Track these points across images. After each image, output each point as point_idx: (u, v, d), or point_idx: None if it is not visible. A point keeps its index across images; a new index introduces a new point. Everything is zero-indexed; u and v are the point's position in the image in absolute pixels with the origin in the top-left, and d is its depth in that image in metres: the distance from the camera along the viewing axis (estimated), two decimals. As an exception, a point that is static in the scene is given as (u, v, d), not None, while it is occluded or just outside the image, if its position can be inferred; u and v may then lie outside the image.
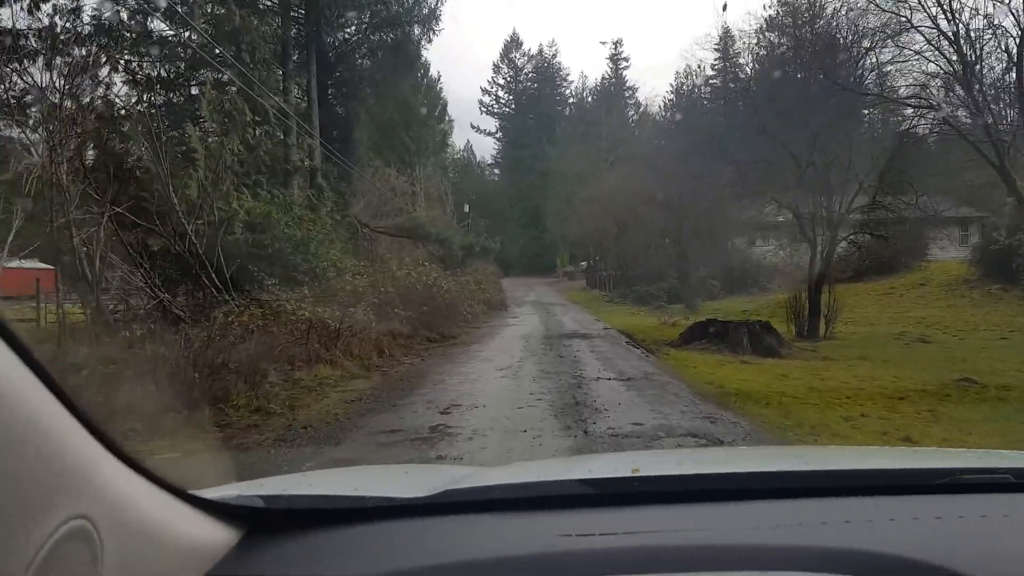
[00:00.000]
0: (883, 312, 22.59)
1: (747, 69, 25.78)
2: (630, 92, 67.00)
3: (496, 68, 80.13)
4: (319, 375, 9.10)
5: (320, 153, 21.00)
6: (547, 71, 79.21)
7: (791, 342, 13.65)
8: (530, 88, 78.95)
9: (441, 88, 38.43)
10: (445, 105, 38.31)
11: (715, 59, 47.24)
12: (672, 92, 55.91)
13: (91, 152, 10.90)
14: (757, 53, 24.37)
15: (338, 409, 7.33)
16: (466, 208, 50.57)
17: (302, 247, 15.70)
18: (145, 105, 14.51)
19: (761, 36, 24.57)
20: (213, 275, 11.06)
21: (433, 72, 37.38)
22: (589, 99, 68.33)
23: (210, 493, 1.09)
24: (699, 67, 56.93)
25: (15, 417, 0.68)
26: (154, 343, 7.51)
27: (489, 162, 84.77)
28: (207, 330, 8.42)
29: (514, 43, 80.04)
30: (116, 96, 13.04)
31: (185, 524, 0.97)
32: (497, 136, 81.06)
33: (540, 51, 79.86)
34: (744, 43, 24.74)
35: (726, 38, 40.79)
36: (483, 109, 79.75)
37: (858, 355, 12.41)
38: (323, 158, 21.44)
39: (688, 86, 50.12)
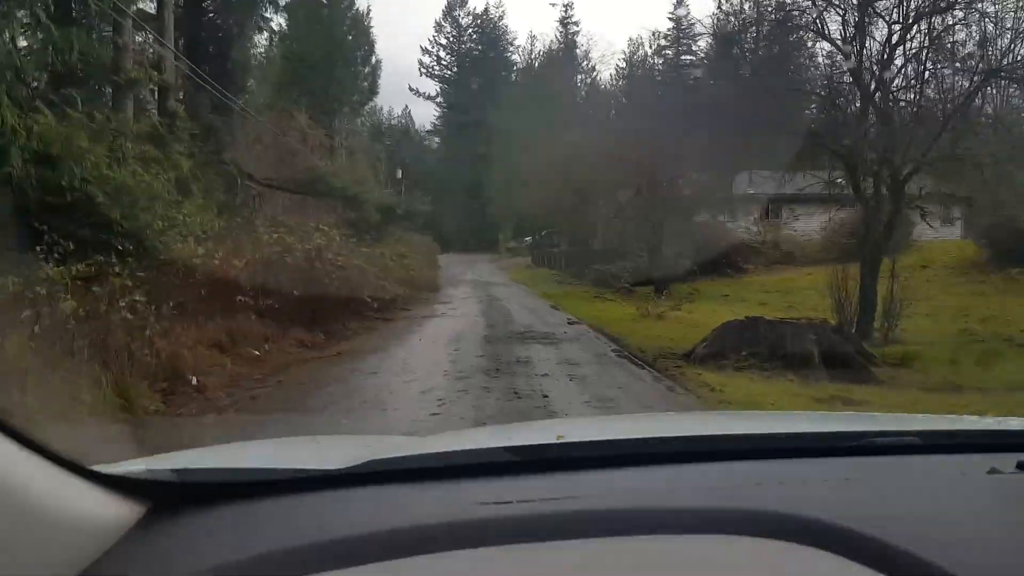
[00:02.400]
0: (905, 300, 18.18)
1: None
2: (583, 56, 61.52)
3: (438, 27, 73.31)
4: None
5: (178, 70, 14.77)
6: (492, 32, 72.90)
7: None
8: (474, 50, 72.61)
9: (370, 24, 31.96)
10: (373, 46, 31.87)
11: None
12: (625, 59, 51.00)
13: None
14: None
15: None
16: (399, 174, 44.47)
17: (125, 196, 9.80)
18: None
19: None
20: None
21: (361, 3, 30.89)
22: (536, 64, 62.52)
23: (111, 468, 1.00)
24: (653, 35, 52.28)
25: None
26: None
27: (428, 129, 78.13)
28: None
29: (458, 0, 73.27)
30: None
31: (81, 501, 0.89)
32: (438, 101, 74.46)
33: (486, 10, 73.34)
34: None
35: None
36: (423, 71, 72.98)
37: (972, 379, 7.68)
38: (187, 80, 15.21)
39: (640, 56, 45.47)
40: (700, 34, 31.94)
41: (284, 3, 20.63)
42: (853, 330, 10.79)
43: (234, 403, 5.79)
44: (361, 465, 1.13)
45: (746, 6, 16.49)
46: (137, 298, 7.06)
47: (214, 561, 0.88)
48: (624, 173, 21.09)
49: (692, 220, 22.51)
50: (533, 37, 77.07)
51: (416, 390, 6.37)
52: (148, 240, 9.30)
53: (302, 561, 0.87)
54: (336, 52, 28.30)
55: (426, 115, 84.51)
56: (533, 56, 63.89)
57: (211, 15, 18.04)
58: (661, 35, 44.44)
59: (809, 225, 27.26)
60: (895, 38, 10.24)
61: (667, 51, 48.06)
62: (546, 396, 6.16)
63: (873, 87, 10.58)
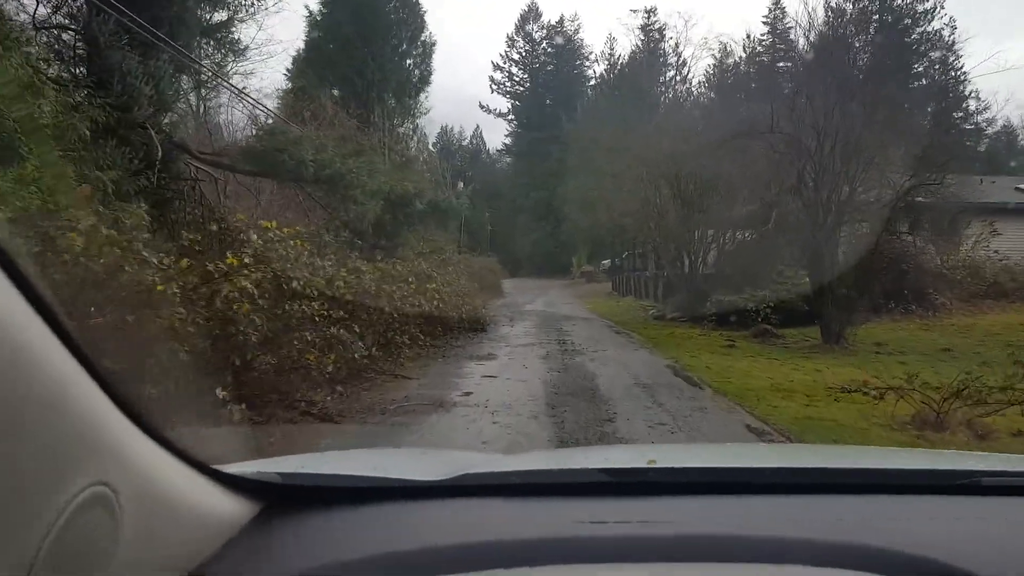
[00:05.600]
0: None
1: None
2: (672, 51, 53.60)
3: (510, 41, 68.01)
4: None
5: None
6: (567, 46, 66.85)
7: None
8: (548, 64, 66.78)
9: (424, 11, 25.84)
10: (423, 23, 25.68)
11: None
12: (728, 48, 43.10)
13: None
14: None
15: None
16: (460, 186, 38.30)
17: None
18: None
19: None
20: None
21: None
22: (618, 67, 55.33)
23: (229, 468, 1.03)
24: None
25: (37, 381, 0.62)
26: None
27: (500, 148, 72.79)
28: None
29: (531, 13, 67.81)
30: None
31: (204, 497, 0.93)
32: (510, 118, 68.93)
33: (560, 21, 67.49)
34: None
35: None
36: (494, 88, 67.89)
37: None
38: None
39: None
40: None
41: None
42: None
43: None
44: (458, 477, 1.14)
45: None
46: None
47: (318, 562, 0.90)
48: (770, 165, 13.61)
49: (862, 233, 14.66)
50: (613, 39, 69.73)
51: None
52: None
53: (401, 567, 0.88)
54: (373, 26, 22.28)
55: (498, 138, 79.01)
56: (614, 59, 56.55)
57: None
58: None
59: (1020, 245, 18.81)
60: None
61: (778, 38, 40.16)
62: None
63: None
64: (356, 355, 6.19)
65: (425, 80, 25.93)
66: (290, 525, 1.01)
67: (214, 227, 7.56)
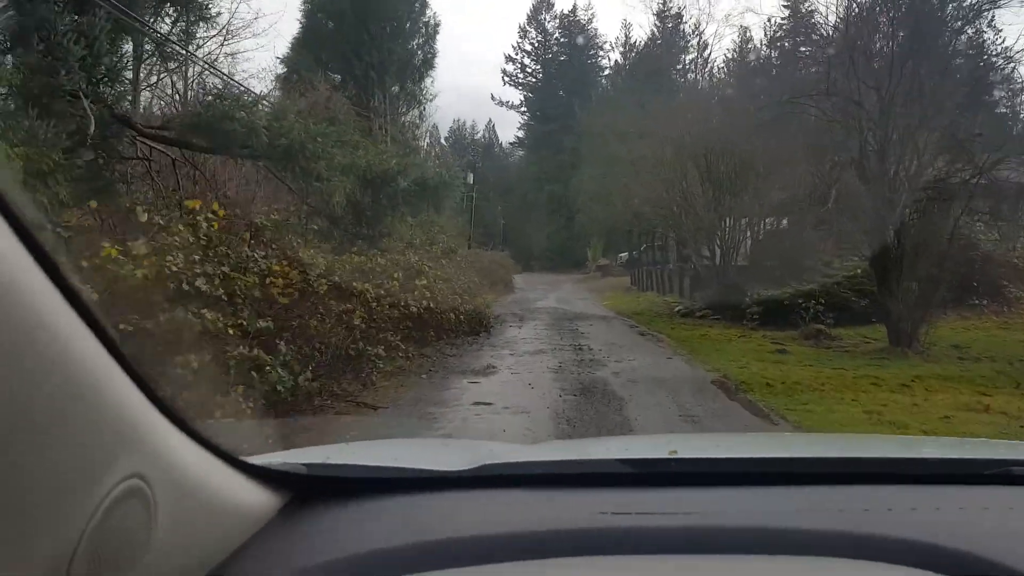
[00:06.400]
0: None
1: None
2: (692, 31, 50.77)
3: (523, 32, 65.94)
4: None
5: None
6: (580, 35, 64.66)
7: None
8: (560, 55, 64.73)
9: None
10: (433, 18, 23.70)
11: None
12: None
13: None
14: None
15: None
16: (470, 178, 36.32)
17: None
18: None
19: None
20: None
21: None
22: (631, 57, 52.85)
23: (256, 460, 1.01)
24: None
25: (71, 374, 0.62)
26: None
27: (512, 141, 70.93)
28: None
29: (544, 3, 65.65)
30: None
31: (234, 488, 0.92)
32: (522, 111, 67.01)
33: (573, 10, 65.27)
34: None
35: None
36: (507, 80, 65.95)
37: None
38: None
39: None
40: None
41: None
42: None
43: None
44: (479, 468, 1.13)
45: None
46: None
47: (344, 552, 0.90)
48: (820, 138, 11.45)
49: (932, 215, 12.42)
50: (629, 26, 66.89)
51: None
52: None
53: (425, 557, 0.88)
54: (371, 4, 20.37)
55: (511, 133, 76.97)
56: (630, 44, 53.89)
57: None
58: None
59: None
60: None
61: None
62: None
63: None
64: (280, 387, 4.24)
65: (429, 63, 23.88)
66: (316, 516, 1.00)
67: (146, 217, 5.60)
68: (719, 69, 40.55)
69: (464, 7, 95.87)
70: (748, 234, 15.77)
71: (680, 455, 1.20)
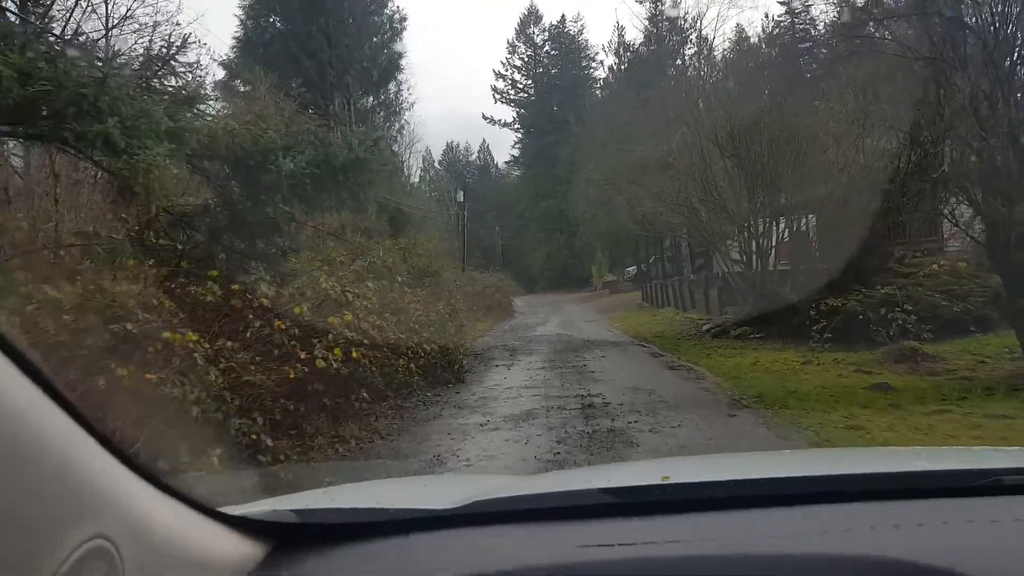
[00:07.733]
0: None
1: None
2: (691, 25, 47.75)
3: (511, 47, 63.76)
4: None
5: None
6: (571, 47, 62.44)
7: None
8: (551, 68, 62.47)
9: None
10: (398, 12, 20.83)
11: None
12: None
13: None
14: None
15: None
16: (460, 196, 33.50)
17: None
18: None
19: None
20: None
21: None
22: (633, 47, 49.60)
23: (235, 510, 1.01)
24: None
25: (29, 436, 0.62)
26: None
27: (508, 160, 68.61)
28: None
29: (531, 16, 63.58)
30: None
31: (210, 541, 0.90)
32: (515, 127, 64.67)
33: (562, 20, 63.16)
34: None
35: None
36: (497, 97, 63.63)
37: None
38: None
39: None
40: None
41: None
42: None
43: None
44: (468, 506, 1.13)
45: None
46: None
47: None
48: (896, 93, 8.25)
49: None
50: (622, 29, 64.12)
51: None
52: None
53: None
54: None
55: (505, 154, 74.41)
56: (625, 43, 50.85)
57: None
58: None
59: None
60: None
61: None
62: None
63: None
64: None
65: (395, 64, 20.96)
66: (302, 563, 0.98)
67: None
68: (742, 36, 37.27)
69: (459, 33, 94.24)
70: (794, 228, 12.48)
71: (672, 480, 1.20)
